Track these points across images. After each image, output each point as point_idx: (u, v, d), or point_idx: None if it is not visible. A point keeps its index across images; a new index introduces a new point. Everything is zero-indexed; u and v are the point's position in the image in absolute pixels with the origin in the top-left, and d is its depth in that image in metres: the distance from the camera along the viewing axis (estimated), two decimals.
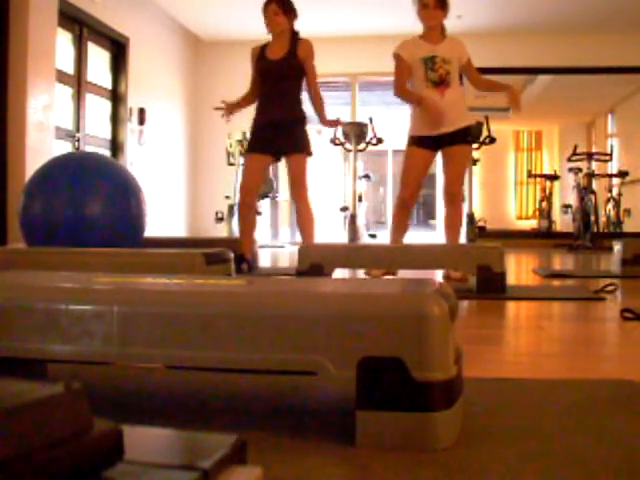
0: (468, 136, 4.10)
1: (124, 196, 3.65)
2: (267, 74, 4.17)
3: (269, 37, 4.30)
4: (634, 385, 1.43)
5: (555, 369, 1.70)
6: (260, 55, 4.23)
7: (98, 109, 7.16)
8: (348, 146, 7.95)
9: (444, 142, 4.00)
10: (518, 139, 12.85)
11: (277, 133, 4.13)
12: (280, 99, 4.15)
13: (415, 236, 11.27)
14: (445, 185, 4.15)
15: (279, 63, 4.14)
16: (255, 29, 9.09)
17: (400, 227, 4.19)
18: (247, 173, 4.25)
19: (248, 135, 8.54)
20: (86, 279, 1.35)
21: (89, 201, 3.54)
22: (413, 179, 4.09)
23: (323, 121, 4.35)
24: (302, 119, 4.19)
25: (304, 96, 4.26)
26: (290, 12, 4.21)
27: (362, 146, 7.91)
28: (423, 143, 4.03)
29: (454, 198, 4.10)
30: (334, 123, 4.58)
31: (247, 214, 4.23)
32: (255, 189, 4.25)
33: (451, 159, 4.04)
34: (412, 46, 4.01)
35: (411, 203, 4.18)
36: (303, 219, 4.23)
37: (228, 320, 1.07)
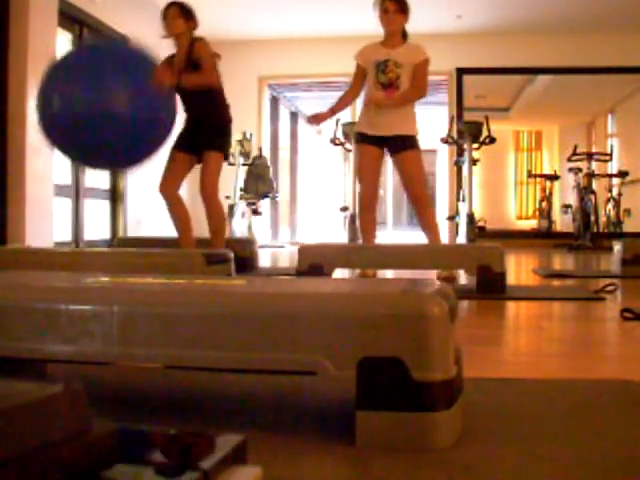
0: (412, 143, 4.07)
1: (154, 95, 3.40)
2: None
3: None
4: (634, 385, 1.43)
5: (555, 369, 1.70)
6: (168, 61, 4.16)
7: None
8: (348, 146, 7.95)
9: (388, 147, 4.09)
10: (518, 139, 12.84)
11: (194, 132, 4.10)
12: (188, 101, 4.12)
13: (413, 236, 11.27)
14: (406, 191, 4.19)
15: (179, 65, 4.07)
16: (255, 29, 9.12)
17: (369, 228, 4.19)
18: (167, 167, 4.18)
19: (248, 135, 8.53)
20: (86, 279, 1.35)
21: (112, 93, 3.24)
22: (368, 176, 4.15)
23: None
24: (214, 116, 4.13)
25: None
26: (186, 15, 4.16)
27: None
28: (368, 140, 4.11)
29: (418, 201, 4.10)
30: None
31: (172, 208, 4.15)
32: (174, 182, 4.16)
33: (401, 166, 4.10)
34: (369, 51, 4.13)
35: (372, 204, 4.19)
36: (213, 221, 4.16)
37: (228, 320, 1.07)
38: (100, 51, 3.57)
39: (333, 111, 4.29)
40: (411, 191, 4.11)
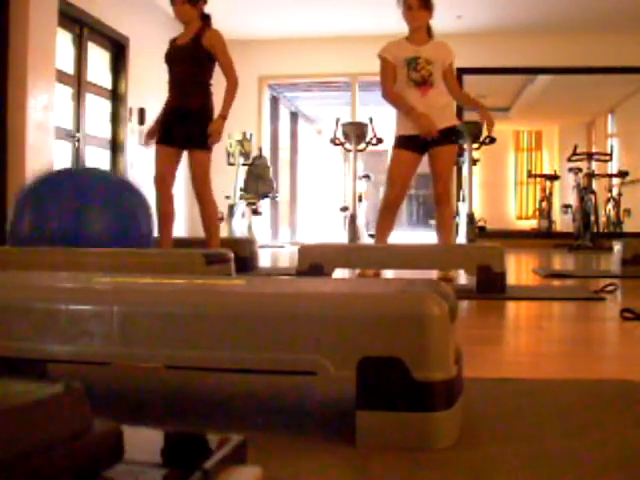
0: (453, 136, 4.11)
1: (130, 214, 3.29)
2: (169, 60, 4.09)
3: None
4: (634, 385, 1.43)
5: (555, 369, 1.70)
6: (171, 43, 4.16)
7: (98, 109, 7.16)
8: (348, 146, 7.95)
9: (431, 142, 4.02)
10: (518, 139, 12.85)
11: (175, 123, 4.04)
12: (178, 86, 4.05)
13: (415, 236, 11.28)
14: (433, 186, 4.16)
15: (182, 48, 4.05)
16: (255, 29, 9.12)
17: (385, 228, 4.19)
18: (157, 163, 4.13)
19: (248, 135, 8.52)
20: (86, 279, 1.35)
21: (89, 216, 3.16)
22: (398, 180, 4.10)
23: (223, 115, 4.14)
24: (199, 110, 4.05)
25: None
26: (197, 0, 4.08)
27: (362, 146, 7.91)
28: (408, 144, 4.05)
29: (442, 198, 4.11)
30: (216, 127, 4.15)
31: (165, 205, 4.10)
32: (169, 179, 4.12)
33: (436, 159, 4.05)
34: (396, 47, 4.07)
35: (396, 204, 4.18)
36: (207, 220, 4.11)
37: (228, 320, 1.07)
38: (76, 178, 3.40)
39: (405, 103, 4.07)
40: (438, 187, 4.09)
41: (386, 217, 4.18)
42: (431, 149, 4.04)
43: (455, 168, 9.03)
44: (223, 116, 4.06)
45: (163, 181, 4.09)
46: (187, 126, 4.02)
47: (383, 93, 4.11)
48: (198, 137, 4.02)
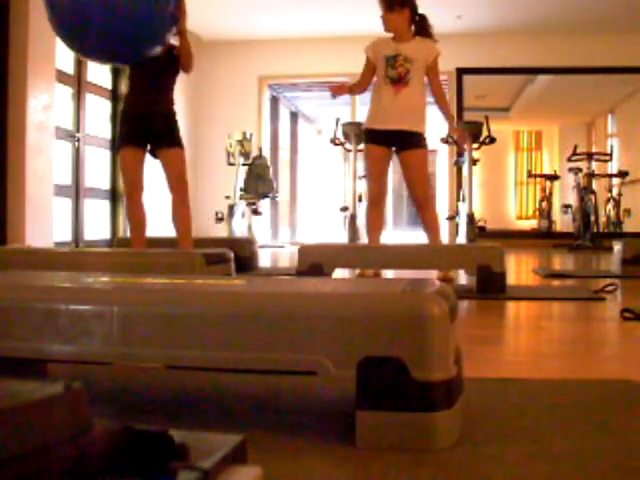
0: (420, 141, 4.07)
1: None
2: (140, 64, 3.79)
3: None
4: (634, 385, 1.43)
5: (555, 369, 1.70)
6: None
7: (98, 109, 7.16)
8: (348, 146, 7.95)
9: (396, 143, 4.04)
10: (518, 139, 12.84)
11: (143, 125, 3.85)
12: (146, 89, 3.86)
13: (413, 236, 11.28)
14: (408, 191, 4.18)
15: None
16: (255, 29, 9.12)
17: (375, 225, 4.19)
18: (126, 167, 3.92)
19: (248, 135, 8.52)
20: (86, 279, 1.35)
21: None
22: (377, 176, 4.14)
23: None
24: (171, 111, 3.91)
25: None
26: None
27: (362, 146, 7.90)
28: (377, 139, 4.08)
29: (421, 202, 4.09)
30: None
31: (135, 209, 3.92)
32: (143, 185, 3.93)
33: (406, 165, 4.06)
34: (380, 45, 4.10)
35: (380, 200, 4.19)
36: (182, 221, 3.95)
37: (228, 320, 1.07)
38: None
39: (350, 89, 4.35)
40: (414, 192, 4.10)
41: (374, 214, 4.19)
42: (399, 153, 4.07)
43: (455, 168, 9.05)
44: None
45: (135, 188, 3.90)
46: (164, 125, 3.86)
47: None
48: (176, 134, 3.88)
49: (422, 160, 4.10)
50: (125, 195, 4.03)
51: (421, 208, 4.11)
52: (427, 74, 4.08)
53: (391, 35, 4.11)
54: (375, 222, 4.18)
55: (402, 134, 4.00)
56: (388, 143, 4.07)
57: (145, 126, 3.82)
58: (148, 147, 3.90)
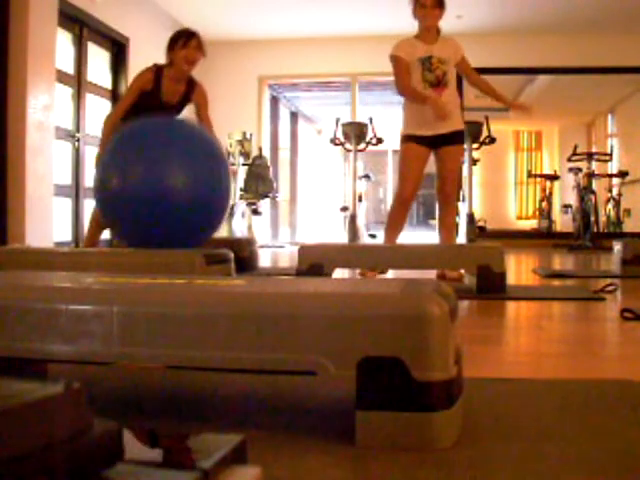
0: (462, 138, 4.10)
1: (209, 165, 3.23)
2: (150, 109, 3.62)
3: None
4: (634, 385, 1.43)
5: (555, 369, 1.70)
6: (153, 87, 3.71)
7: (98, 109, 7.16)
8: (348, 146, 7.95)
9: (439, 143, 3.99)
10: (518, 139, 12.85)
11: None
12: None
13: (415, 236, 11.28)
14: (439, 185, 4.10)
15: (171, 108, 3.75)
16: (255, 29, 9.12)
17: (397, 225, 4.14)
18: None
19: (248, 135, 8.49)
20: (86, 279, 1.35)
21: (171, 171, 3.07)
22: (413, 175, 4.04)
23: None
24: None
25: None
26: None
27: (362, 146, 7.91)
28: (418, 141, 4.01)
29: (448, 198, 4.08)
30: None
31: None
32: None
33: (446, 159, 4.01)
34: (408, 46, 3.98)
35: (409, 201, 4.13)
36: None
37: (228, 320, 1.07)
38: (162, 130, 3.28)
39: (420, 93, 4.02)
40: (445, 187, 4.05)
41: (398, 215, 4.13)
42: (439, 149, 4.01)
43: None
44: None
45: None
46: None
47: (400, 89, 4.01)
48: None
49: (461, 156, 4.13)
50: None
51: (445, 204, 4.10)
52: (460, 71, 4.05)
53: (413, 36, 4.04)
54: (398, 224, 4.14)
55: (448, 135, 3.98)
56: (431, 145, 4.01)
57: None
58: None
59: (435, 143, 3.99)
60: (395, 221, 4.14)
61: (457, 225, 7.93)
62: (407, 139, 4.06)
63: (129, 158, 3.11)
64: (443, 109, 3.82)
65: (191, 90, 3.80)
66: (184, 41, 3.70)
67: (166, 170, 3.05)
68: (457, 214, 8.11)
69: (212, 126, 3.86)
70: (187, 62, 3.70)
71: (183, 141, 3.17)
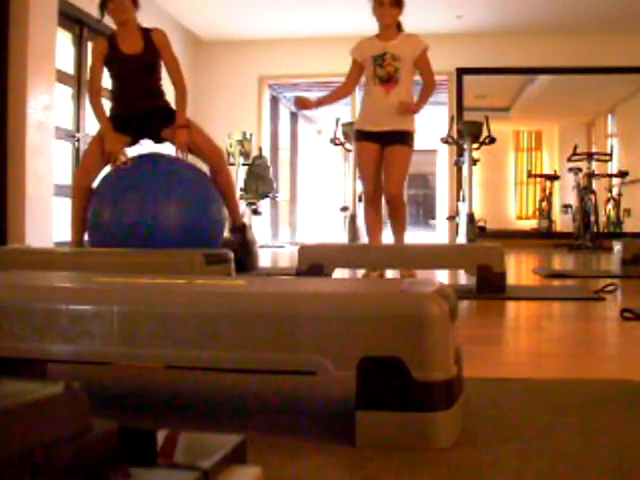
0: (408, 139, 4.06)
1: (200, 202, 3.47)
2: (117, 69, 3.77)
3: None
4: (634, 385, 1.43)
5: (555, 369, 1.70)
6: (111, 46, 3.75)
7: None
8: (348, 146, 7.95)
9: (385, 140, 4.02)
10: (518, 139, 12.84)
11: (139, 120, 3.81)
12: (133, 95, 3.79)
13: (415, 236, 11.28)
14: (384, 186, 4.08)
15: (134, 59, 3.72)
16: (255, 29, 9.12)
17: (373, 227, 4.17)
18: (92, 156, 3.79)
19: (248, 135, 8.49)
20: (86, 279, 1.35)
21: (162, 208, 3.34)
22: (371, 173, 4.09)
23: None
24: (163, 107, 3.90)
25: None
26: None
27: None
28: (369, 138, 4.06)
29: (394, 200, 4.05)
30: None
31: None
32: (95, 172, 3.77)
33: (390, 159, 4.03)
34: (365, 45, 4.08)
35: (377, 200, 4.14)
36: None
37: (228, 320, 1.07)
38: (153, 168, 3.54)
39: (320, 102, 4.25)
40: (390, 188, 4.04)
41: (369, 215, 4.18)
42: (385, 148, 4.04)
43: (455, 168, 9.05)
44: (184, 125, 3.83)
45: (86, 176, 3.77)
46: (158, 120, 3.83)
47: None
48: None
49: (405, 157, 4.05)
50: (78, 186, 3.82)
51: (395, 206, 4.07)
52: (417, 68, 4.05)
53: (374, 34, 4.09)
54: (373, 223, 4.17)
55: (394, 133, 4.00)
56: (380, 142, 4.04)
57: (131, 119, 3.80)
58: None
59: (382, 140, 4.03)
60: (372, 224, 4.18)
61: (457, 225, 7.95)
62: (357, 135, 4.19)
63: (120, 195, 3.37)
64: (409, 106, 3.94)
65: (149, 35, 3.79)
66: None
67: (157, 206, 3.32)
68: (456, 214, 8.13)
69: (179, 69, 3.86)
70: (117, 10, 3.72)
71: (170, 175, 3.45)
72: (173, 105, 3.91)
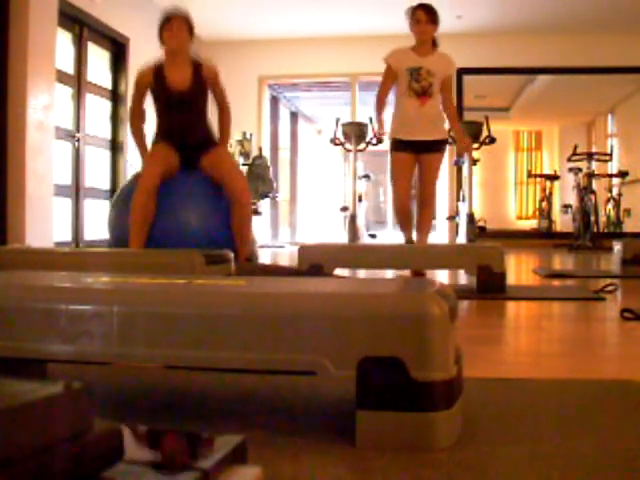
0: (441, 147, 4.38)
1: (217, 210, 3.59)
2: (167, 106, 3.69)
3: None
4: (634, 385, 1.43)
5: (555, 369, 1.70)
6: (159, 80, 3.68)
7: (98, 109, 7.16)
8: (348, 146, 7.95)
9: (420, 149, 4.26)
10: (518, 139, 12.84)
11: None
12: (182, 129, 3.70)
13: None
14: (419, 189, 4.39)
15: (185, 94, 3.65)
16: (255, 29, 9.12)
17: (406, 226, 4.38)
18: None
19: (248, 135, 8.49)
20: (86, 279, 1.35)
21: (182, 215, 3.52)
22: (405, 182, 4.33)
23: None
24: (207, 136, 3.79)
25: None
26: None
27: (362, 146, 7.91)
28: (403, 147, 4.28)
29: (427, 201, 4.37)
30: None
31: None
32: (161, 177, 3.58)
33: (425, 166, 4.31)
34: (401, 56, 4.26)
35: (407, 203, 4.37)
36: None
37: (228, 320, 1.07)
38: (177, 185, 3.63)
39: (382, 122, 4.50)
40: (425, 190, 4.35)
41: (404, 218, 4.38)
42: (420, 155, 4.29)
43: (455, 168, 9.05)
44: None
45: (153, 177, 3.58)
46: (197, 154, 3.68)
47: (377, 93, 4.42)
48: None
49: (439, 162, 4.40)
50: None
51: (424, 206, 4.37)
52: (441, 87, 4.29)
53: (409, 46, 4.28)
54: (409, 224, 4.39)
55: (429, 142, 4.26)
56: (414, 150, 4.27)
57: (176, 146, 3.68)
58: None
59: (417, 149, 4.26)
60: (402, 222, 4.42)
61: (457, 225, 7.95)
62: (393, 147, 4.38)
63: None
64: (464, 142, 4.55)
65: (199, 70, 3.73)
66: (165, 25, 3.77)
67: (182, 217, 3.50)
68: (456, 214, 8.14)
69: (226, 95, 3.95)
70: (172, 39, 3.70)
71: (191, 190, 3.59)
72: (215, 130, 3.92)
